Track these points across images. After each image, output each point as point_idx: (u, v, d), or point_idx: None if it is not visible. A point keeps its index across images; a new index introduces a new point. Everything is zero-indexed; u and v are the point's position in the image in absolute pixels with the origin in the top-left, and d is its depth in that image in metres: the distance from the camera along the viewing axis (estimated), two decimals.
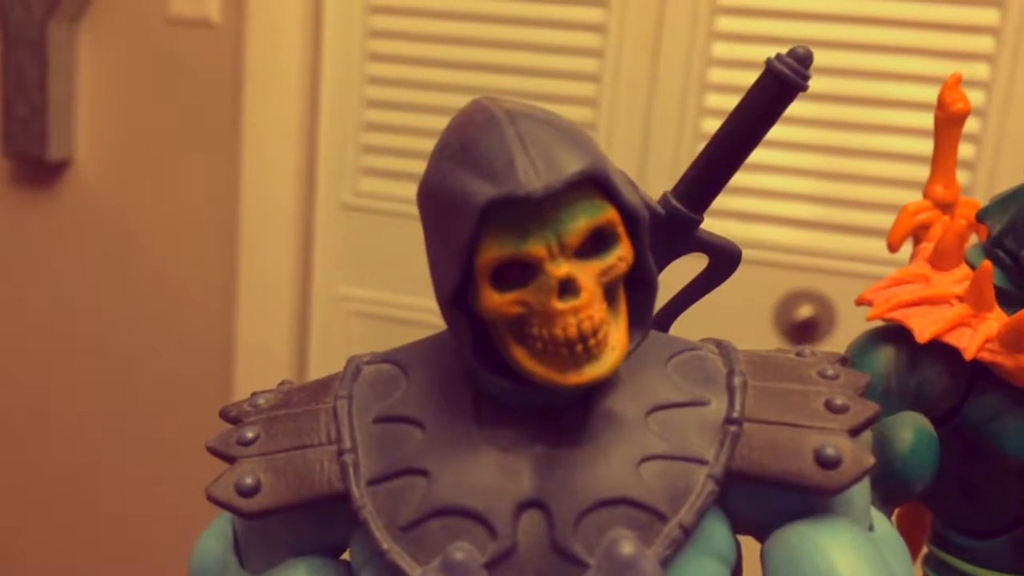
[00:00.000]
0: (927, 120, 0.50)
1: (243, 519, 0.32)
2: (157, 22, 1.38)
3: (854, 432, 0.30)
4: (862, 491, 0.32)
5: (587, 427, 0.30)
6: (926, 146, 0.50)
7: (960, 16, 1.15)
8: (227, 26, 1.35)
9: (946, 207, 0.49)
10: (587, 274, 0.29)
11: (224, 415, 0.34)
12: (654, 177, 1.23)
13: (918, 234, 0.49)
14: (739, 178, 0.38)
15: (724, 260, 0.38)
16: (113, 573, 1.54)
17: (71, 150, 1.44)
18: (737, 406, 0.31)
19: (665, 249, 0.36)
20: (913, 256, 0.48)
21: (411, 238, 1.33)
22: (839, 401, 0.31)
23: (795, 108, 0.37)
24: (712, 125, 1.22)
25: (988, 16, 1.14)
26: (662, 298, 0.35)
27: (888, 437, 0.42)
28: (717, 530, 0.30)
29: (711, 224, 0.37)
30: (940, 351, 0.43)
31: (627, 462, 0.30)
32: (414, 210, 0.31)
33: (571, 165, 0.28)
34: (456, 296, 0.30)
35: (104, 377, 1.50)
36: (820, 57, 0.35)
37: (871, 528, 0.33)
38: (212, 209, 1.40)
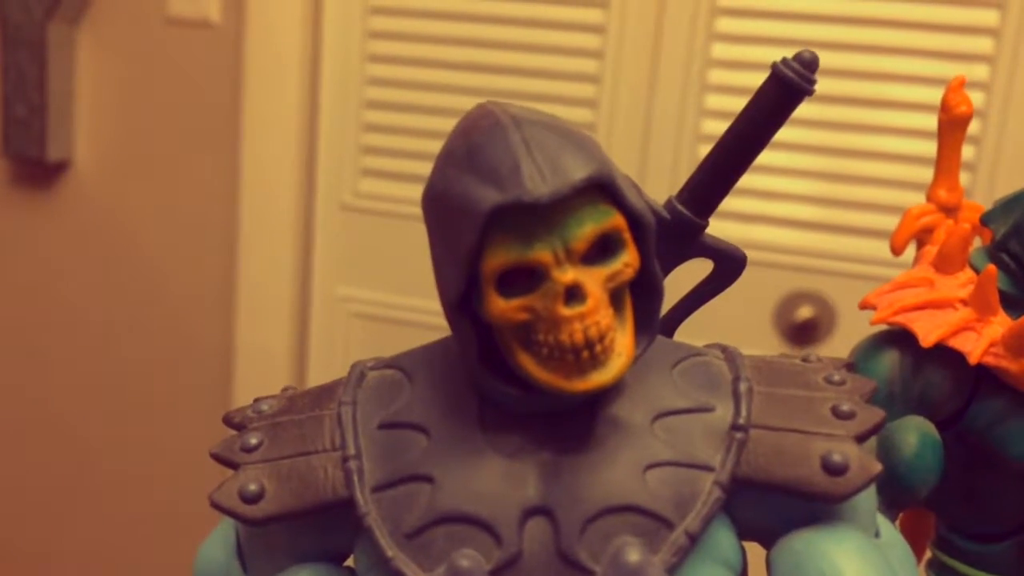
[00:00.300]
0: (927, 121, 0.50)
1: (247, 525, 0.32)
2: (157, 22, 1.38)
3: (861, 438, 0.30)
4: (868, 497, 0.32)
5: (593, 434, 0.30)
6: (926, 147, 0.50)
7: (960, 17, 1.15)
8: (227, 26, 1.35)
9: (950, 210, 0.49)
10: (593, 280, 0.29)
11: (227, 421, 0.34)
12: (654, 178, 1.23)
13: (921, 237, 0.49)
14: (740, 179, 0.38)
15: (729, 265, 0.38)
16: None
17: (70, 151, 1.44)
18: (743, 412, 0.30)
19: (670, 254, 0.36)
20: (916, 260, 0.48)
21: (411, 239, 1.33)
22: (846, 407, 0.30)
23: (795, 109, 0.37)
24: (712, 126, 1.22)
25: (988, 17, 1.14)
26: (666, 303, 0.34)
27: (892, 441, 0.42)
28: (723, 537, 0.30)
29: (711, 225, 0.37)
30: (944, 355, 0.43)
31: (633, 469, 0.29)
32: (414, 211, 0.31)
33: (577, 171, 0.28)
34: (461, 302, 0.29)
35: (103, 378, 1.50)
36: (820, 58, 0.35)
37: (877, 534, 0.33)
38: (212, 210, 1.40)
